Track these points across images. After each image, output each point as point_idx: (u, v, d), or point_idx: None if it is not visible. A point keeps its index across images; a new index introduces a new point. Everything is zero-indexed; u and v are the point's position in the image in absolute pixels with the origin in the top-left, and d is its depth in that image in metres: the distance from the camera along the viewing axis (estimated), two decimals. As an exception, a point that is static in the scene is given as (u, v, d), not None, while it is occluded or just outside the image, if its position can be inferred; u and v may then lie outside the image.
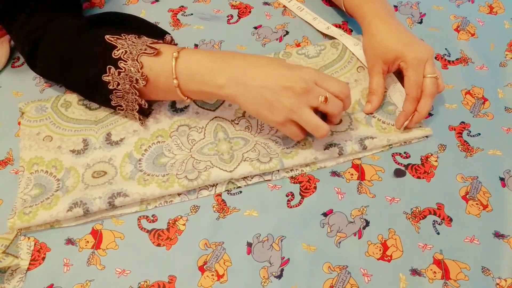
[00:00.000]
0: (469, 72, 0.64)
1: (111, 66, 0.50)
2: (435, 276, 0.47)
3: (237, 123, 0.57)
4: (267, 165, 0.52)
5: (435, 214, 0.51)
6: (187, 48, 0.52)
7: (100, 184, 0.51)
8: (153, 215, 0.51)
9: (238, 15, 0.70)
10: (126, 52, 0.50)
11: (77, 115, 0.57)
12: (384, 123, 0.57)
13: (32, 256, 0.48)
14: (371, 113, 0.58)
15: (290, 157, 0.53)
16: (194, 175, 0.51)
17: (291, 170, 0.54)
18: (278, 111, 0.48)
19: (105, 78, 0.50)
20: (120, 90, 0.51)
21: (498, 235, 0.50)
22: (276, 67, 0.49)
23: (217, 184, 0.53)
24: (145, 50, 0.50)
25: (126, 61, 0.50)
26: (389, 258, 0.49)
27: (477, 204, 0.52)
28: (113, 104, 0.53)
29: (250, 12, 0.71)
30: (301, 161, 0.53)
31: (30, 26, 0.54)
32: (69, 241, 0.49)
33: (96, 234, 0.50)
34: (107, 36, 0.51)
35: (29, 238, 0.49)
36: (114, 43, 0.50)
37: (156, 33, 0.57)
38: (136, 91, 0.51)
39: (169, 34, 0.56)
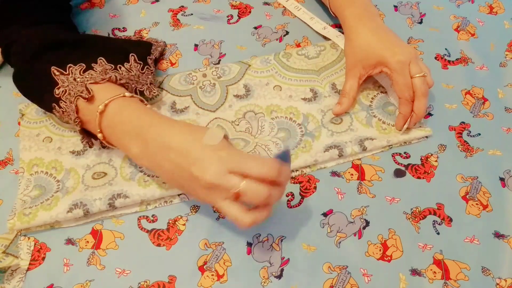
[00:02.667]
0: (469, 72, 0.64)
1: (55, 104, 0.49)
2: (435, 276, 0.47)
3: (238, 124, 0.57)
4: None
5: (435, 214, 0.51)
6: (119, 99, 0.47)
7: (100, 185, 0.51)
8: (153, 215, 0.51)
9: (238, 15, 0.70)
10: (65, 91, 0.48)
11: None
12: (384, 123, 0.57)
13: (32, 256, 0.48)
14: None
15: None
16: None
17: (291, 171, 0.54)
18: (197, 196, 0.45)
19: (55, 112, 0.50)
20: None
21: (498, 235, 0.50)
22: (190, 147, 0.43)
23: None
24: (81, 92, 0.47)
25: (65, 102, 0.48)
26: (389, 258, 0.49)
27: (477, 204, 0.52)
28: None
29: (250, 12, 0.71)
30: (301, 164, 0.53)
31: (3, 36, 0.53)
32: (69, 241, 0.49)
33: (96, 234, 0.50)
34: (52, 69, 0.49)
35: (29, 238, 0.49)
36: (56, 79, 0.48)
37: (122, 56, 0.53)
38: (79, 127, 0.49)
39: (123, 64, 0.52)
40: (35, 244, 0.49)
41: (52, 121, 0.57)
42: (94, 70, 0.49)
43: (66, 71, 0.49)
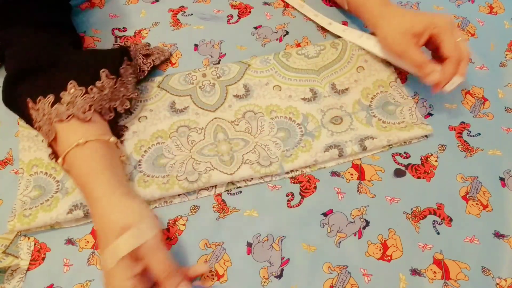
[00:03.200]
0: (469, 72, 0.64)
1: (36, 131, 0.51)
2: (435, 276, 0.47)
3: (237, 124, 0.57)
4: (267, 168, 0.53)
5: (435, 214, 0.51)
6: (73, 149, 0.47)
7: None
8: (153, 215, 0.51)
9: (238, 15, 0.70)
10: (40, 127, 0.50)
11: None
12: (384, 122, 0.57)
13: (32, 256, 0.48)
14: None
15: (290, 161, 0.53)
16: (195, 177, 0.51)
17: (291, 171, 0.54)
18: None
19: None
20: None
21: (498, 235, 0.50)
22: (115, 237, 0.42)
23: (217, 184, 0.53)
24: (48, 132, 0.48)
25: (40, 133, 0.50)
26: (389, 258, 0.49)
27: (477, 204, 0.52)
28: None
29: (250, 12, 0.71)
30: (301, 164, 0.53)
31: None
32: (69, 241, 0.49)
33: (96, 234, 0.50)
34: (27, 101, 0.49)
35: (29, 238, 0.49)
36: (32, 114, 0.50)
37: (96, 72, 0.51)
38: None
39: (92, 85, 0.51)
40: (35, 244, 0.49)
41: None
42: (61, 103, 0.48)
43: (36, 105, 0.49)
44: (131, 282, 0.41)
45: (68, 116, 0.47)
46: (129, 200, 0.44)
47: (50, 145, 0.49)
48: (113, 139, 0.49)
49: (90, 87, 0.50)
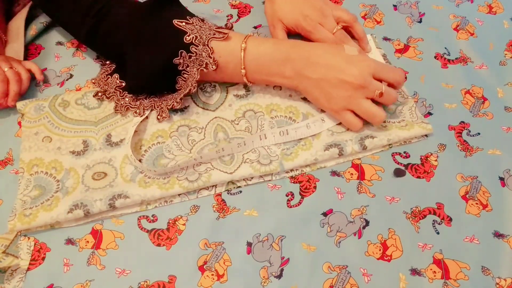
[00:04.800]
0: (469, 71, 0.64)
1: (183, 50, 0.52)
2: (435, 275, 0.47)
3: (237, 124, 0.57)
4: (267, 167, 0.53)
5: (434, 213, 0.51)
6: (252, 36, 0.54)
7: (102, 187, 0.51)
8: (153, 215, 0.51)
9: (237, 15, 0.70)
10: (196, 37, 0.52)
11: (76, 116, 0.57)
12: (384, 122, 0.57)
13: (32, 256, 0.48)
14: None
15: (290, 159, 0.53)
16: (195, 177, 0.51)
17: (291, 170, 0.54)
18: (335, 101, 0.53)
19: (176, 61, 0.52)
20: (188, 72, 0.53)
21: (497, 234, 0.50)
22: (336, 60, 0.52)
23: (217, 184, 0.53)
24: (214, 35, 0.53)
25: (197, 46, 0.52)
26: (389, 258, 0.49)
27: (476, 203, 0.52)
28: (177, 87, 0.55)
29: (249, 11, 0.71)
30: (301, 163, 0.53)
31: (90, 3, 0.54)
32: (69, 241, 0.49)
33: (96, 234, 0.50)
34: (175, 21, 0.52)
35: (29, 238, 0.49)
36: (183, 29, 0.52)
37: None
38: (198, 75, 0.53)
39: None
40: (35, 244, 0.49)
41: (50, 119, 0.57)
42: (204, 22, 0.54)
43: (189, 21, 0.52)
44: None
45: (227, 26, 0.57)
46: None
47: (212, 51, 0.52)
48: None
49: (224, 27, 0.56)
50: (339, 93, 0.52)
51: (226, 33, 0.53)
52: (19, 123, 0.57)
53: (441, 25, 0.70)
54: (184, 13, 0.55)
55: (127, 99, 0.56)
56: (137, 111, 0.56)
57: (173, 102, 0.55)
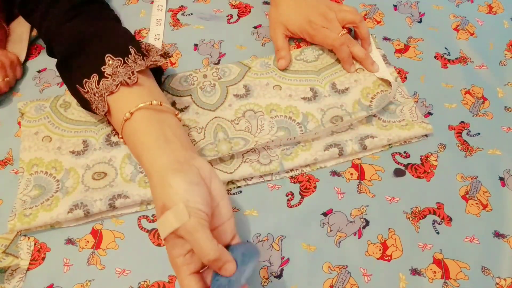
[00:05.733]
0: (469, 71, 0.64)
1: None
2: (435, 275, 0.47)
3: (237, 123, 0.57)
4: (267, 167, 0.53)
5: (435, 213, 0.51)
6: (143, 109, 0.46)
7: (102, 187, 0.51)
8: (153, 215, 0.51)
9: (238, 15, 0.70)
10: (97, 108, 0.49)
11: (76, 116, 0.57)
12: (384, 121, 0.57)
13: (32, 256, 0.48)
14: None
15: (290, 159, 0.53)
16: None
17: (291, 170, 0.54)
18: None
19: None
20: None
21: (497, 234, 0.50)
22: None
23: (217, 184, 0.53)
24: (103, 107, 0.48)
25: (98, 112, 0.49)
26: (389, 257, 0.49)
27: (476, 203, 0.52)
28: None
29: (250, 11, 0.71)
30: (301, 162, 0.53)
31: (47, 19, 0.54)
32: (69, 241, 0.49)
33: (96, 234, 0.50)
34: (77, 87, 0.50)
35: (29, 238, 0.49)
36: (85, 96, 0.50)
37: (122, 49, 0.51)
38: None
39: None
40: (35, 244, 0.49)
41: (50, 120, 0.57)
42: (106, 77, 0.48)
43: (84, 88, 0.49)
44: (180, 260, 0.40)
45: (117, 86, 0.47)
46: (176, 177, 0.40)
47: (108, 121, 0.49)
48: (155, 102, 0.47)
49: (126, 57, 0.50)
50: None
51: (106, 108, 0.48)
52: (19, 123, 0.57)
53: (441, 25, 0.70)
54: (86, 60, 0.50)
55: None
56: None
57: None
